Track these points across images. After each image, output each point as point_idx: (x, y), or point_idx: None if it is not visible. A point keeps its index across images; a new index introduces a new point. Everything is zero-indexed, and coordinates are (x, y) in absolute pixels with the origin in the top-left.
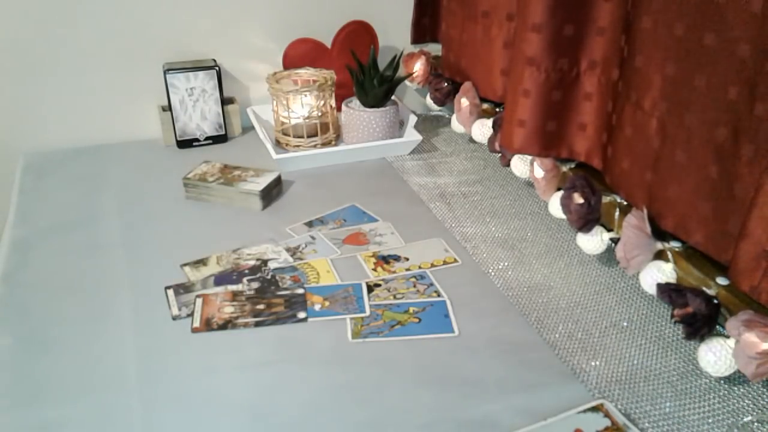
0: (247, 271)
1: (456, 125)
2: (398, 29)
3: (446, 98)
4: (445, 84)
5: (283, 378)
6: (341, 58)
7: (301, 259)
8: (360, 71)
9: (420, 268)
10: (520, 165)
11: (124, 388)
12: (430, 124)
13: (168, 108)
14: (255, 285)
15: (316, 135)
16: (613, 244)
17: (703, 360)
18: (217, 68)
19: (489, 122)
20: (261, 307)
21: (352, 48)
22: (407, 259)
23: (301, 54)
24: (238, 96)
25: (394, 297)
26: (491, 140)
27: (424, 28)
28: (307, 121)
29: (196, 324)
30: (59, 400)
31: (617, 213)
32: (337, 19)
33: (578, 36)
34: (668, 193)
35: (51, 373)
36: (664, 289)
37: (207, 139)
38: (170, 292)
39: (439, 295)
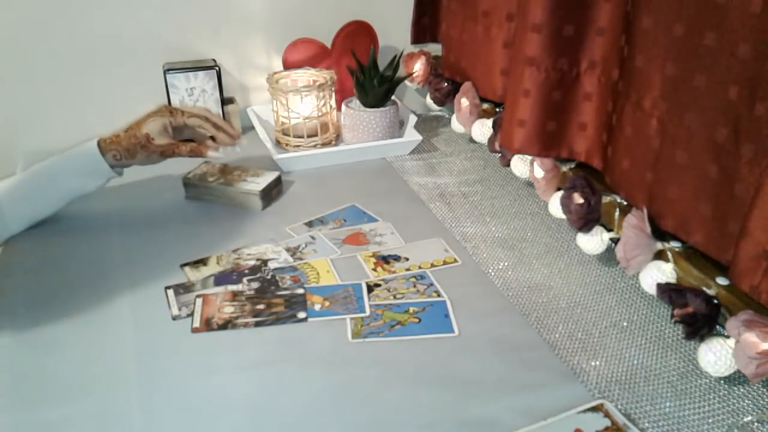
0: (247, 271)
1: (456, 125)
2: (398, 29)
3: (446, 98)
4: (445, 84)
5: (283, 378)
6: (341, 58)
7: (301, 259)
8: (360, 71)
9: (420, 268)
10: (520, 165)
11: (124, 388)
12: (430, 124)
13: None
14: (255, 285)
15: (316, 135)
16: (613, 244)
17: (703, 360)
18: (217, 68)
19: (489, 122)
20: (261, 307)
21: (352, 48)
22: (407, 259)
23: (301, 54)
24: (238, 96)
25: (394, 297)
26: (491, 140)
27: (424, 28)
28: (307, 121)
29: (196, 324)
30: (59, 400)
31: (617, 213)
32: (337, 19)
33: (578, 36)
34: (668, 193)
35: (51, 373)
36: (664, 289)
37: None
38: (170, 292)
39: (439, 295)
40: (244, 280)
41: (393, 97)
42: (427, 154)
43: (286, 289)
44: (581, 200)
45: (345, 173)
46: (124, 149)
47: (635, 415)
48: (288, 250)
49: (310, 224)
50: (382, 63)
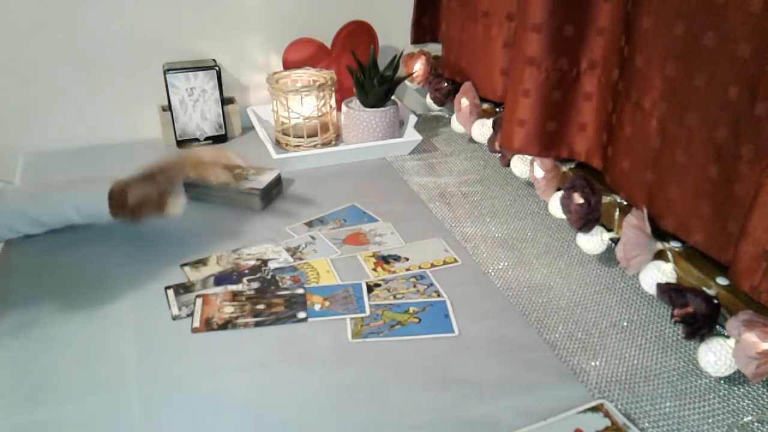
0: (247, 271)
1: (456, 125)
2: (398, 29)
3: (446, 98)
4: (445, 84)
5: (283, 378)
6: (341, 58)
7: (301, 259)
8: (360, 71)
9: (420, 268)
10: (520, 165)
11: (124, 388)
12: (430, 124)
13: (168, 108)
14: (255, 285)
15: (316, 135)
16: (613, 244)
17: (703, 360)
18: (217, 68)
19: (489, 122)
20: (261, 307)
21: (352, 48)
22: (407, 259)
23: (301, 54)
24: (238, 96)
25: (394, 297)
26: (491, 140)
27: (424, 28)
28: (307, 121)
29: (196, 324)
30: (59, 400)
31: (617, 213)
32: (337, 19)
33: (578, 36)
34: (668, 193)
35: (51, 373)
36: (664, 289)
37: (207, 139)
38: (170, 292)
39: (439, 295)
40: (244, 280)
41: (393, 97)
42: (427, 154)
43: (286, 289)
44: (581, 200)
45: (345, 173)
46: (127, 214)
47: (635, 415)
48: (288, 250)
49: (310, 224)
50: (382, 63)
